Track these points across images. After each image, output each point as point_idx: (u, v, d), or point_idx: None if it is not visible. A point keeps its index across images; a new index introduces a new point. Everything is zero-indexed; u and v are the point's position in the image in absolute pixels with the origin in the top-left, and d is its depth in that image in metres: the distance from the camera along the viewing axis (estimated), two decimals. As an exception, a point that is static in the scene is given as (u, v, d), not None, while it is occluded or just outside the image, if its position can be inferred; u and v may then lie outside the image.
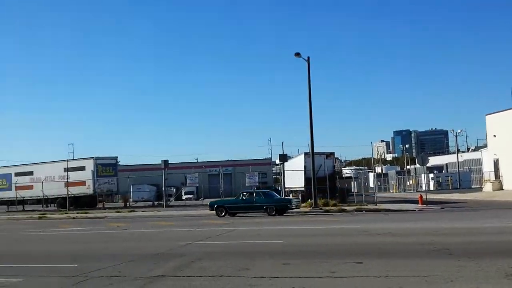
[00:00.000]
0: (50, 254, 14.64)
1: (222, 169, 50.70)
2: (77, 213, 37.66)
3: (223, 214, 28.19)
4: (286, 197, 32.31)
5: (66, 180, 44.57)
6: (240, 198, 29.02)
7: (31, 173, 48.52)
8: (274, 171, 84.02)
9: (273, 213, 27.31)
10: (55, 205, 46.45)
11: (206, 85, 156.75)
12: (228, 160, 78.14)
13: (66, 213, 38.48)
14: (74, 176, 45.15)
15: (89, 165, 45.72)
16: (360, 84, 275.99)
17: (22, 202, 48.52)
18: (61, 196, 44.98)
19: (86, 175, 45.31)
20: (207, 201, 43.77)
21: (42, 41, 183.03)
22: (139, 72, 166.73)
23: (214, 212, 29.03)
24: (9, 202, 48.83)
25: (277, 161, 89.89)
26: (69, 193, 43.67)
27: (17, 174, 48.94)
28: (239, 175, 63.82)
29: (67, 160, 49.04)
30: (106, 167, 46.79)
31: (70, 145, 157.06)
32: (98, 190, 45.66)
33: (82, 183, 44.95)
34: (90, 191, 45.22)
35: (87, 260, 12.58)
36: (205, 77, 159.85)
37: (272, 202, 28.06)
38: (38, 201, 48.10)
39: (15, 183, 47.38)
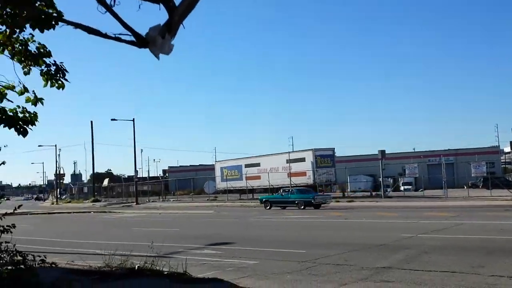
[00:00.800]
0: (279, 239, 15.68)
1: (444, 158, 47.73)
2: (300, 202, 39.66)
3: (268, 207, 35.29)
4: (314, 193, 36.09)
5: (288, 171, 47.37)
6: (279, 194, 36.77)
7: (258, 164, 52.85)
8: (503, 160, 75.80)
9: (302, 207, 32.78)
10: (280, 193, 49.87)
11: (424, 65, 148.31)
12: (449, 149, 73.20)
13: (289, 202, 40.89)
14: (295, 167, 47.69)
15: (309, 157, 47.72)
16: None
17: (252, 190, 53.22)
18: (285, 185, 47.99)
19: (307, 166, 47.40)
20: (428, 193, 41.80)
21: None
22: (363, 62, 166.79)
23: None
24: (241, 191, 54.05)
25: (506, 149, 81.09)
26: (292, 183, 46.32)
27: (246, 166, 53.83)
28: (462, 165, 59.30)
29: (289, 152, 52.00)
30: (324, 158, 48.25)
31: (290, 138, 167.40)
32: (318, 180, 47.34)
33: (303, 173, 47.19)
34: (310, 181, 47.19)
35: (313, 247, 13.14)
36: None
37: (300, 199, 33.65)
38: (265, 190, 52.24)
39: (245, 174, 52.21)
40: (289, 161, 48.44)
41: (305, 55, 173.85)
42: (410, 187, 55.46)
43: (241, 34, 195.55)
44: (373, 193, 47.67)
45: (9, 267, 5.40)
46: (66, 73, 6.63)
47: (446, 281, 8.26)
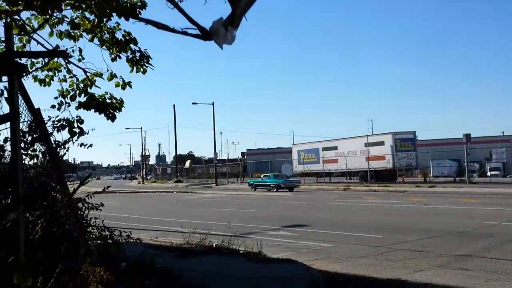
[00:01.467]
0: (355, 223, 15.60)
1: (536, 142, 44.71)
2: (378, 186, 39.00)
3: (254, 189, 41.88)
4: (284, 178, 41.70)
5: (367, 155, 46.55)
6: (261, 179, 43.23)
7: (335, 147, 52.36)
8: None
9: (275, 189, 39.45)
10: (358, 177, 49.19)
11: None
12: (542, 132, 68.42)
13: (367, 186, 40.34)
14: (374, 150, 46.73)
15: (388, 140, 46.54)
16: None
17: (329, 174, 52.94)
18: (363, 169, 47.26)
19: (386, 150, 46.29)
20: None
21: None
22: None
23: None
24: (317, 174, 53.92)
25: None
26: (370, 167, 45.51)
27: (323, 149, 53.51)
28: (558, 149, 55.28)
29: (367, 135, 51.02)
30: (405, 142, 46.84)
31: (369, 121, 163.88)
32: (398, 165, 46.12)
33: (382, 157, 46.15)
34: (389, 165, 46.10)
35: (390, 232, 12.97)
36: None
37: (273, 182, 40.36)
38: (342, 173, 51.80)
39: (322, 157, 51.96)
40: (368, 144, 47.51)
41: (384, 36, 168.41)
42: (497, 172, 52.60)
43: (322, 15, 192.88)
44: (457, 179, 45.69)
45: (98, 242, 5.87)
46: (150, 59, 7.02)
47: (529, 271, 7.91)
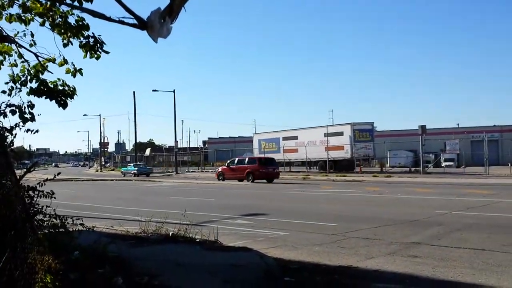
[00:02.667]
0: (312, 212, 15.84)
1: (487, 135, 46.40)
2: (336, 175, 39.71)
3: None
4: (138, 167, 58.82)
5: (326, 145, 47.22)
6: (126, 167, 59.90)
7: (296, 137, 52.86)
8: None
9: (134, 176, 54.00)
10: (317, 167, 49.88)
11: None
12: (494, 126, 71.03)
13: (326, 175, 41.00)
14: (333, 141, 47.46)
15: (347, 131, 47.35)
16: None
17: (289, 163, 53.41)
18: (322, 159, 47.96)
19: (345, 140, 47.09)
20: (470, 170, 40.98)
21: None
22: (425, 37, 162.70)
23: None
24: (278, 163, 54.32)
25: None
26: (329, 156, 46.21)
27: (284, 138, 53.94)
28: (508, 142, 57.55)
29: (327, 125, 51.71)
30: (363, 132, 47.77)
31: (330, 111, 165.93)
32: (356, 155, 47.04)
33: (341, 147, 46.94)
34: (348, 155, 46.95)
35: (345, 221, 13.25)
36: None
37: (133, 170, 56.27)
38: (302, 163, 52.38)
39: (283, 146, 52.37)
40: (327, 134, 48.21)
41: (343, 28, 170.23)
42: (451, 163, 54.37)
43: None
44: (412, 169, 47.01)
45: (49, 230, 5.77)
46: (104, 44, 6.88)
47: (473, 258, 8.25)
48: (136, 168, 57.34)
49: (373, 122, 49.98)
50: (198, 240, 9.72)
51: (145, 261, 7.75)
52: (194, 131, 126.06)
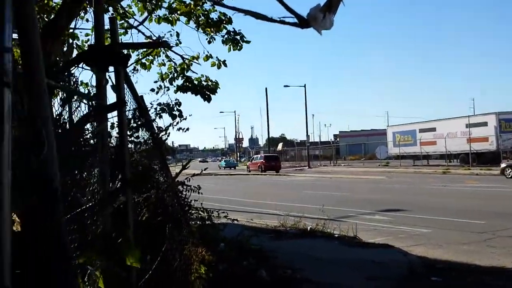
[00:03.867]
0: (455, 208, 14.85)
1: None
2: (480, 169, 36.85)
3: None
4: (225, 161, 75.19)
5: (468, 136, 44.03)
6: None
7: (433, 129, 50.01)
8: None
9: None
10: (458, 160, 46.76)
11: None
12: None
13: (468, 169, 38.27)
14: (476, 132, 44.07)
15: (492, 121, 43.61)
16: None
17: (426, 157, 50.79)
18: (463, 152, 44.82)
19: (489, 131, 43.46)
20: None
21: None
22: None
23: None
24: (414, 157, 51.93)
25: None
26: (471, 149, 43.04)
27: (421, 131, 51.33)
28: None
29: (468, 116, 48.20)
30: (510, 123, 43.70)
31: (471, 100, 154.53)
32: (502, 147, 43.14)
33: (485, 139, 43.40)
34: (493, 147, 43.25)
35: (493, 218, 12.23)
36: None
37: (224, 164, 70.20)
38: (441, 156, 49.44)
39: (419, 139, 49.92)
40: (469, 125, 44.91)
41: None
42: None
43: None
44: None
45: (198, 223, 6.14)
46: (244, 37, 7.19)
47: None
48: (225, 163, 73.82)
49: (524, 110, 45.44)
50: (336, 235, 9.65)
51: (285, 255, 7.89)
52: (325, 125, 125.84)
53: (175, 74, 7.62)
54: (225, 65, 7.55)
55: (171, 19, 7.39)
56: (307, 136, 62.61)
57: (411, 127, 53.92)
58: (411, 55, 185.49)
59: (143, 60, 7.90)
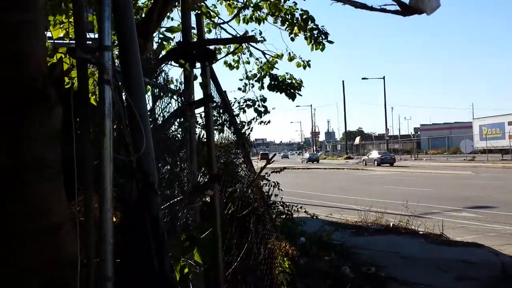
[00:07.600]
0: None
1: None
2: None
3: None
4: None
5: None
6: None
7: (524, 122, 47.00)
8: None
9: None
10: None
11: None
12: None
13: None
14: None
15: None
16: None
17: (516, 151, 47.79)
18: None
19: None
20: None
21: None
22: None
23: None
24: (503, 151, 48.99)
25: None
26: None
27: (510, 123, 48.38)
28: None
29: None
30: None
31: None
32: None
33: None
34: None
35: None
36: None
37: None
38: (532, 150, 46.34)
39: (509, 132, 47.02)
40: None
41: None
42: None
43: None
44: None
45: (282, 217, 6.17)
46: (328, 35, 7.09)
47: None
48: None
49: None
50: (421, 232, 9.32)
51: (368, 251, 7.73)
52: (405, 118, 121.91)
53: (262, 73, 7.75)
54: (309, 66, 7.61)
55: (259, 17, 7.46)
56: (386, 129, 61.02)
57: (500, 120, 50.94)
58: (497, 46, 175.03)
59: (230, 60, 8.01)
